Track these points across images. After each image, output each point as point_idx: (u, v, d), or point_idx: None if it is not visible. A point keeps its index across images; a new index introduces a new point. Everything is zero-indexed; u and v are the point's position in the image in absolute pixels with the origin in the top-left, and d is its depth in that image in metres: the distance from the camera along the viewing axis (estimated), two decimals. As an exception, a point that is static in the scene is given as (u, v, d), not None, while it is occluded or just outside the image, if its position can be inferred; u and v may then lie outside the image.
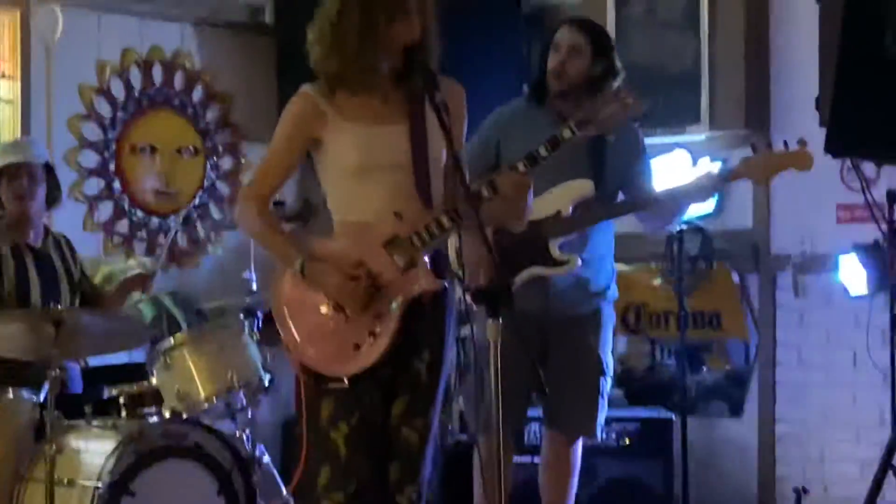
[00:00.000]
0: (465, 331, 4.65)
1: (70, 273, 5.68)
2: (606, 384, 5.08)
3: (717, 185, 4.96)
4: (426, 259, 3.73)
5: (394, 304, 3.71)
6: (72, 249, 5.77)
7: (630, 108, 3.90)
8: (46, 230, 5.71)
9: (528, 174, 3.77)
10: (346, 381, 3.73)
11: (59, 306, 5.30)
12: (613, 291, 5.13)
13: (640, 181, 5.02)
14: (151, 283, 5.91)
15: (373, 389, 3.76)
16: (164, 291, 6.90)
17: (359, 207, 3.78)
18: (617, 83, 4.97)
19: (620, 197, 5.04)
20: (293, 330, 3.84)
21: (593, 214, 4.93)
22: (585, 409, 5.04)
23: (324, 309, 3.76)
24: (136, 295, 6.33)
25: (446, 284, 3.78)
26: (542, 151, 3.81)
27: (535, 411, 5.59)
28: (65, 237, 5.81)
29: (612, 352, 5.21)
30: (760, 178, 4.95)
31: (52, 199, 5.68)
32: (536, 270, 4.91)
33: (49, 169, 5.65)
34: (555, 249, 4.87)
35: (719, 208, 7.00)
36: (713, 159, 6.94)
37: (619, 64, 5.06)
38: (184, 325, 6.52)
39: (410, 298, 3.72)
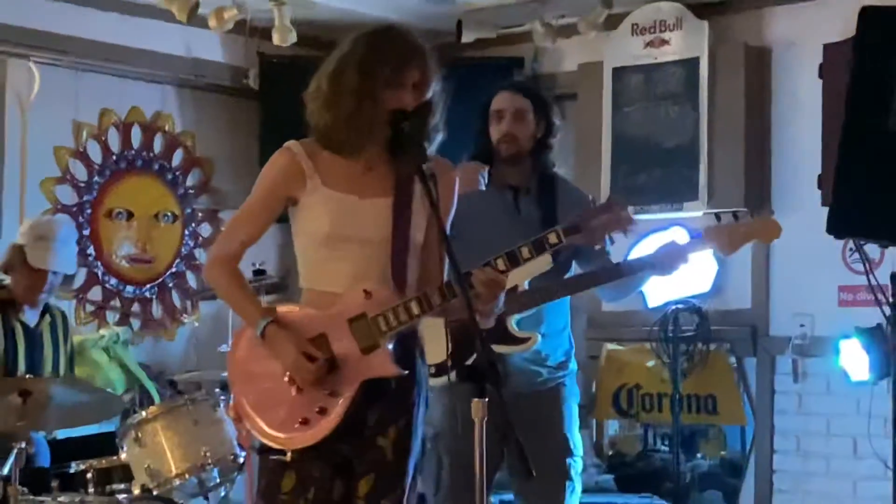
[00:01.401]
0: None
1: (57, 353, 5.67)
2: (576, 465, 4.82)
3: (682, 257, 4.76)
4: (390, 344, 3.58)
5: (350, 384, 3.58)
6: (66, 328, 5.78)
7: (622, 222, 3.70)
8: (45, 307, 5.72)
9: (507, 273, 3.64)
10: (287, 455, 3.60)
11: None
12: (574, 365, 4.92)
13: (595, 252, 4.83)
14: None
15: (323, 466, 3.62)
16: (137, 363, 6.71)
17: (327, 279, 3.64)
18: (555, 139, 4.88)
19: (575, 269, 4.85)
20: (242, 396, 3.70)
21: (551, 290, 4.74)
22: (552, 493, 4.78)
23: (277, 377, 3.63)
24: (109, 365, 6.17)
25: (405, 372, 3.61)
26: (525, 253, 3.65)
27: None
28: (62, 314, 5.81)
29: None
30: (726, 249, 4.74)
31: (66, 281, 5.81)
32: (495, 349, 4.69)
33: None
34: (512, 326, 4.68)
35: (717, 287, 6.84)
36: (711, 237, 6.77)
37: (556, 121, 4.93)
38: (156, 398, 6.31)
39: (365, 381, 3.58)
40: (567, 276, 4.81)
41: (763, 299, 6.80)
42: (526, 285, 4.69)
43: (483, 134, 4.86)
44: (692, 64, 6.83)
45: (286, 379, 3.60)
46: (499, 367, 3.39)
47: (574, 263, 4.84)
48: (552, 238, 3.63)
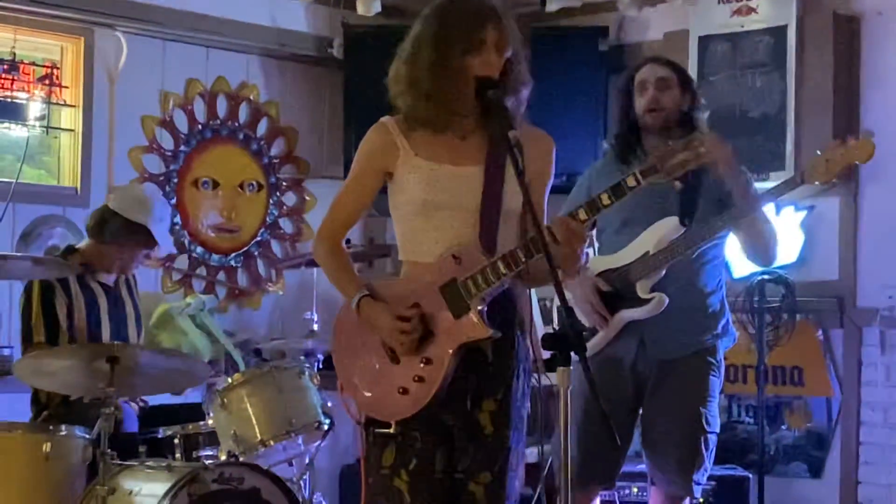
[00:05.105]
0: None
1: (137, 312, 5.73)
2: (709, 441, 4.77)
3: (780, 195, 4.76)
4: (480, 306, 3.58)
5: (445, 351, 3.59)
6: (136, 285, 5.82)
7: (700, 158, 3.64)
8: None
9: (588, 222, 3.58)
10: (392, 427, 3.64)
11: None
12: (726, 333, 4.89)
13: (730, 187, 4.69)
14: None
15: (426, 436, 3.65)
16: (223, 331, 6.76)
17: (422, 248, 3.68)
18: (704, 115, 4.88)
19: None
20: (346, 369, 3.75)
21: (676, 248, 4.70)
22: (681, 469, 4.76)
23: (377, 349, 3.67)
24: (195, 332, 6.23)
25: (498, 333, 3.58)
26: (605, 199, 3.60)
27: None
28: (132, 274, 5.80)
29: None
30: (827, 176, 4.66)
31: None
32: (624, 314, 4.75)
33: None
34: (643, 290, 4.70)
35: (803, 258, 6.76)
36: (798, 209, 6.70)
37: (701, 98, 4.95)
38: (242, 366, 6.38)
39: (460, 346, 3.58)
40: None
41: (850, 270, 6.69)
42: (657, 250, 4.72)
43: (628, 109, 4.85)
44: (780, 32, 6.73)
45: (384, 350, 3.64)
46: (584, 335, 3.36)
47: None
48: (630, 181, 3.57)
